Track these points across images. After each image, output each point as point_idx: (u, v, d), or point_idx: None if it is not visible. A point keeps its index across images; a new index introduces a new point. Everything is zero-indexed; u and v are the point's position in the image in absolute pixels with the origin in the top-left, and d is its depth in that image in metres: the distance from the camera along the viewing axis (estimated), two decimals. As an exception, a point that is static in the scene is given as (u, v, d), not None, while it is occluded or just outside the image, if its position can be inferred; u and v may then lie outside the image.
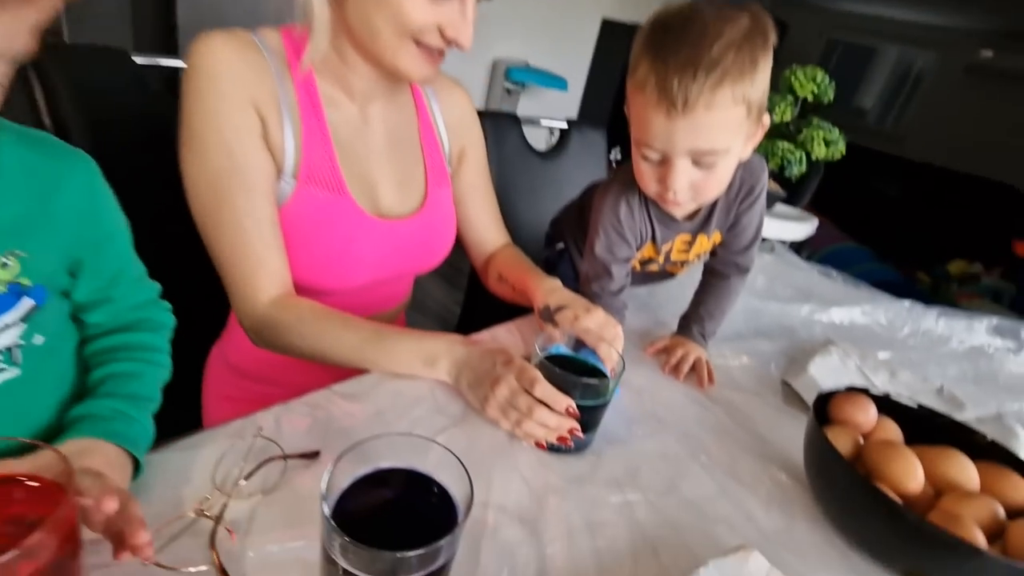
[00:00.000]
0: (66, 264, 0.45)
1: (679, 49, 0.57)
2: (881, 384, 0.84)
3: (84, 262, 0.46)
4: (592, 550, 0.45)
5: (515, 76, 2.56)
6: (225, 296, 0.71)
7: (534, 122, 1.23)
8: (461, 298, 1.38)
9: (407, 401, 0.58)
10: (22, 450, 0.32)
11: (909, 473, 0.50)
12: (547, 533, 0.46)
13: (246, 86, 0.59)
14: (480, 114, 1.12)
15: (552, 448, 0.55)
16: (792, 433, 0.67)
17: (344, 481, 0.36)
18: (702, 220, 0.77)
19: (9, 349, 0.41)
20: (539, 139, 2.39)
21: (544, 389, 0.53)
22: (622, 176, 0.75)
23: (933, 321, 1.08)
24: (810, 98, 1.52)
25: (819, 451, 0.53)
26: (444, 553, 0.33)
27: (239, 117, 0.59)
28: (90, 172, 0.46)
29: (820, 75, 1.49)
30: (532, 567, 0.42)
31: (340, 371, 0.61)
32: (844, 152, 1.54)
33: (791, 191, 1.69)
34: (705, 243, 0.81)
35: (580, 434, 0.53)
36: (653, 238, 0.79)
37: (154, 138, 0.76)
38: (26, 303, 0.41)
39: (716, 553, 0.44)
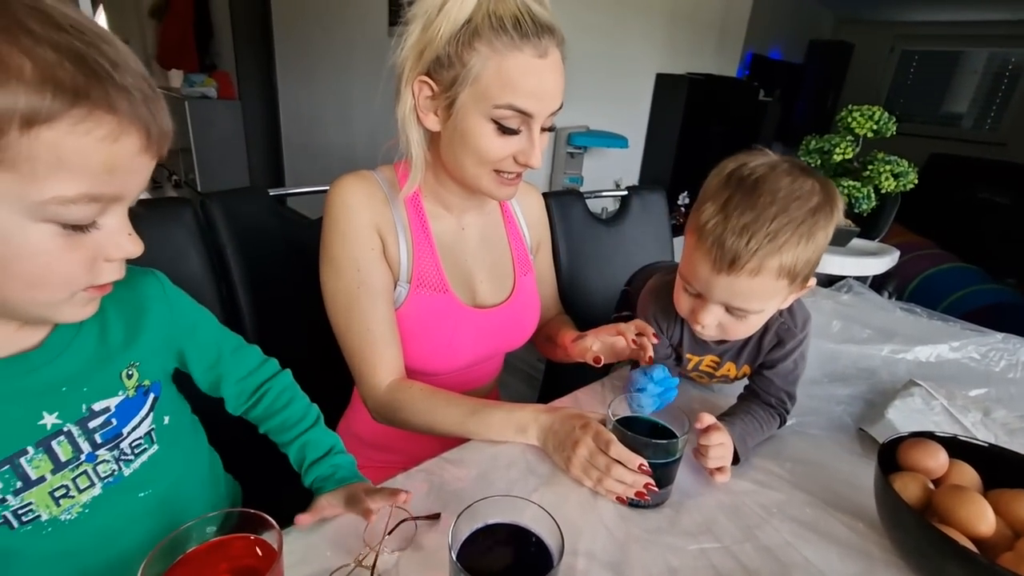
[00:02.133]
0: (172, 355, 0.57)
1: (744, 210, 0.60)
2: (972, 424, 0.83)
3: (185, 350, 0.58)
4: (673, 593, 0.52)
5: (577, 141, 2.72)
6: (349, 379, 0.87)
7: (599, 194, 1.35)
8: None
9: (503, 464, 0.68)
10: (237, 518, 0.44)
11: (978, 516, 0.53)
12: (632, 578, 0.53)
13: (369, 214, 0.75)
14: (545, 195, 1.27)
15: (632, 503, 0.62)
16: (869, 481, 0.69)
17: (463, 533, 0.47)
18: (733, 350, 0.79)
19: (148, 433, 0.53)
20: (605, 203, 2.50)
21: (618, 449, 0.61)
22: (662, 280, 0.82)
23: (1033, 352, 1.03)
24: (870, 135, 1.52)
25: (887, 500, 0.57)
26: (544, 591, 0.43)
27: (365, 239, 0.75)
28: (161, 283, 0.56)
29: (878, 112, 1.49)
30: (620, 607, 0.50)
31: (446, 440, 0.73)
32: (916, 182, 1.51)
33: (864, 225, 1.66)
34: (733, 369, 0.82)
35: (656, 488, 0.61)
36: (681, 345, 0.81)
37: (286, 245, 0.97)
38: (151, 398, 0.53)
39: (789, 595, 0.50)
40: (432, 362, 0.82)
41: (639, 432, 0.62)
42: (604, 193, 1.36)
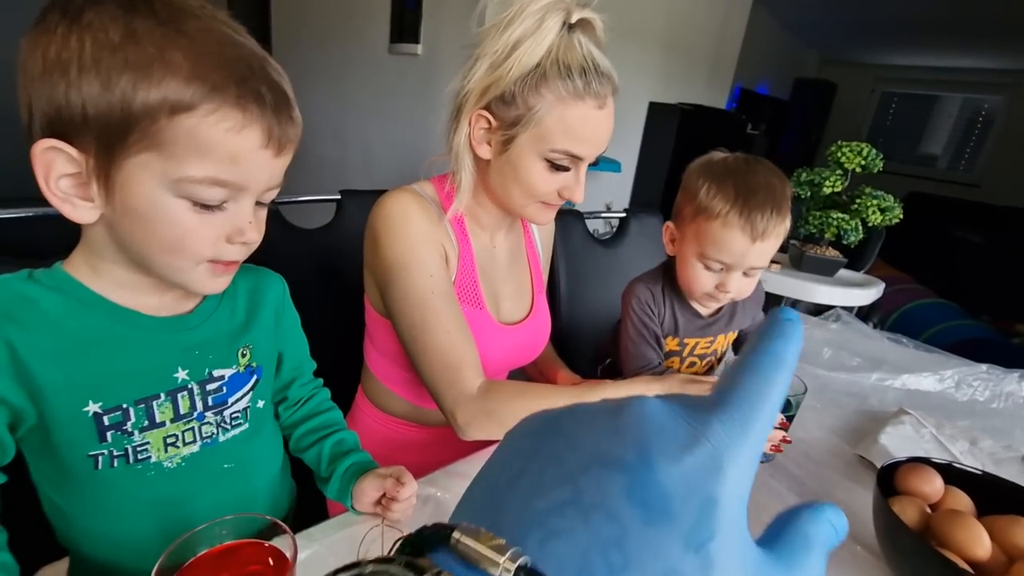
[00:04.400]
0: (275, 350, 0.63)
1: (753, 193, 0.75)
2: (960, 453, 0.85)
3: (285, 350, 0.65)
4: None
5: (571, 164, 2.77)
6: (349, 392, 0.86)
7: (596, 215, 1.37)
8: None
9: (507, 479, 0.68)
10: (260, 525, 0.44)
11: (975, 541, 0.54)
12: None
13: (429, 225, 0.75)
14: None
15: (763, 459, 0.67)
16: (866, 504, 0.71)
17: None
18: (725, 321, 0.92)
19: (245, 410, 0.58)
20: (599, 224, 2.53)
21: None
22: (645, 276, 0.91)
23: (1016, 384, 1.07)
24: (858, 170, 1.58)
25: (886, 522, 0.58)
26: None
27: (432, 247, 0.74)
28: (284, 290, 0.65)
29: (866, 149, 1.55)
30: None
31: (451, 453, 0.72)
32: (901, 216, 1.57)
33: (851, 257, 1.71)
34: (723, 341, 0.94)
35: (790, 440, 0.69)
36: (676, 332, 0.89)
37: (284, 256, 0.96)
38: (254, 378, 0.58)
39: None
40: None
41: None
42: (602, 215, 1.38)
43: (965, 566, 0.52)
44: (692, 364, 0.95)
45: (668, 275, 0.89)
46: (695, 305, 0.88)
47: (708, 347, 0.93)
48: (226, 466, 0.57)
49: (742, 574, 0.15)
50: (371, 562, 0.16)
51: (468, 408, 0.70)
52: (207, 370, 0.54)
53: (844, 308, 1.49)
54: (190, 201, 0.44)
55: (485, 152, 0.74)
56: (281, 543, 0.43)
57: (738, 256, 0.77)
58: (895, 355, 1.20)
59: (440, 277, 0.73)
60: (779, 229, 0.76)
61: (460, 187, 0.76)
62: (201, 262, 0.48)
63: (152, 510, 0.53)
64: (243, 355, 0.57)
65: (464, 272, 0.80)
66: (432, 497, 0.64)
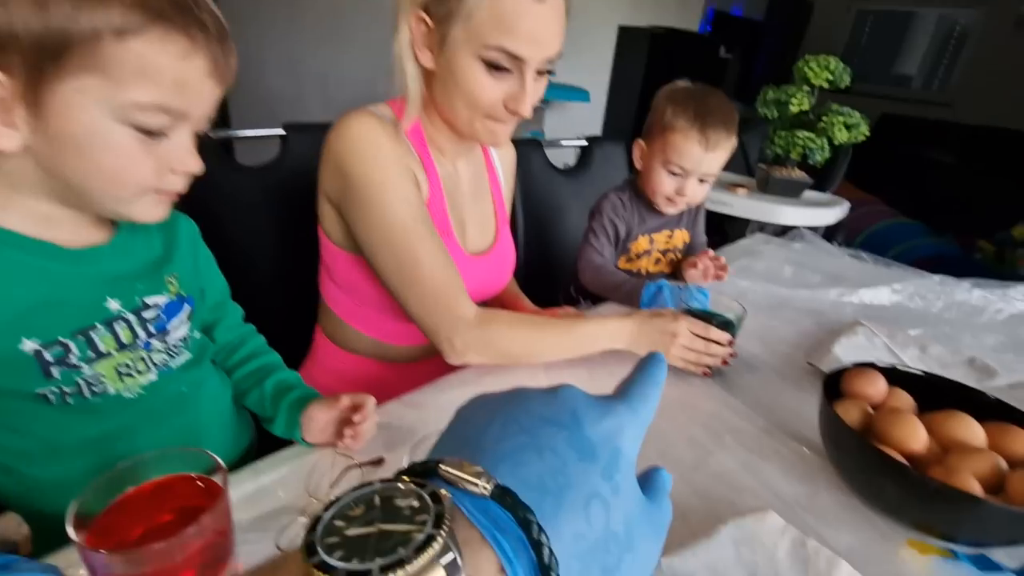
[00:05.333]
0: (199, 289, 0.63)
1: (711, 112, 0.95)
2: (910, 359, 0.87)
3: (205, 289, 0.64)
4: (628, 518, 0.53)
5: (538, 95, 2.67)
6: (304, 335, 0.83)
7: (555, 144, 1.32)
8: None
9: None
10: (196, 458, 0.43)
11: (911, 435, 0.56)
12: (589, 506, 0.54)
13: (397, 148, 0.71)
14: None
15: (716, 372, 0.78)
16: (815, 410, 0.73)
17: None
18: (677, 219, 1.14)
19: (186, 339, 0.59)
20: (568, 157, 2.48)
21: (713, 332, 0.75)
22: (614, 189, 1.10)
23: (967, 292, 1.09)
24: (825, 85, 1.54)
25: (829, 423, 0.59)
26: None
27: (405, 172, 0.71)
28: (193, 228, 0.64)
29: (833, 63, 1.51)
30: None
31: (403, 386, 0.72)
32: (868, 134, 1.55)
33: (817, 177, 1.70)
34: (679, 236, 1.16)
35: (736, 354, 0.79)
36: (644, 230, 1.10)
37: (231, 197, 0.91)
38: (187, 307, 0.59)
39: (738, 515, 0.52)
40: None
41: (698, 318, 0.78)
42: (564, 143, 1.34)
43: (901, 459, 0.54)
44: (658, 260, 1.15)
45: (633, 188, 1.09)
46: (656, 208, 1.08)
47: (668, 242, 1.13)
48: (184, 389, 0.58)
49: (633, 497, 0.23)
50: (380, 482, 0.20)
51: (468, 334, 0.70)
52: (138, 298, 0.54)
53: (810, 229, 1.49)
54: (133, 128, 0.44)
55: (427, 60, 0.69)
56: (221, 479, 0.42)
57: (695, 162, 0.98)
58: (855, 271, 1.21)
59: (418, 203, 0.71)
60: (727, 144, 0.97)
61: (410, 98, 0.72)
62: (147, 192, 0.48)
63: (110, 445, 0.53)
64: (171, 283, 0.57)
65: (434, 198, 0.77)
66: (384, 425, 0.63)
